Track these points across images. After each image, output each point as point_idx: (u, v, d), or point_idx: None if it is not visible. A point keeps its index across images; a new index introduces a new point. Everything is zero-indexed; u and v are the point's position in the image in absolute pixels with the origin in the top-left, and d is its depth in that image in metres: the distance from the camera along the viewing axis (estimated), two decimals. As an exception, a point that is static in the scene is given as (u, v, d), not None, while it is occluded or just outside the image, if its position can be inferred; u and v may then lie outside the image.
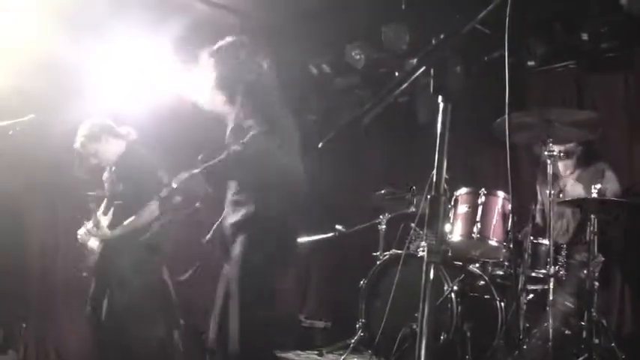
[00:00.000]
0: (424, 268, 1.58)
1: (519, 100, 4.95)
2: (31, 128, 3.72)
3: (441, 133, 1.44)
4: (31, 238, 4.91)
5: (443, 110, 1.42)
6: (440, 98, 1.42)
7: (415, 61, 1.41)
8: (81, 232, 4.09)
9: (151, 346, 3.99)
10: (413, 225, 4.24)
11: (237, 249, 2.82)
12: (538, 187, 4.49)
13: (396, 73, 5.05)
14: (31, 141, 3.94)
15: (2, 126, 3.70)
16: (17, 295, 4.79)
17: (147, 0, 4.68)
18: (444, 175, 1.46)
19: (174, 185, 3.10)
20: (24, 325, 4.76)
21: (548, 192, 3.64)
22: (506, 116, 1.87)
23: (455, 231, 4.09)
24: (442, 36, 1.38)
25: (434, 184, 1.51)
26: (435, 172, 1.44)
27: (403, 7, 4.85)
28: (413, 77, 1.44)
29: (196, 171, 2.92)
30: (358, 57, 5.67)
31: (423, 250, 4.19)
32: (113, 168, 4.11)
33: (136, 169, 4.03)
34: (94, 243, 4.06)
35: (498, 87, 1.92)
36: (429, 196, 1.48)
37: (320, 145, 1.72)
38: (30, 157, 4.42)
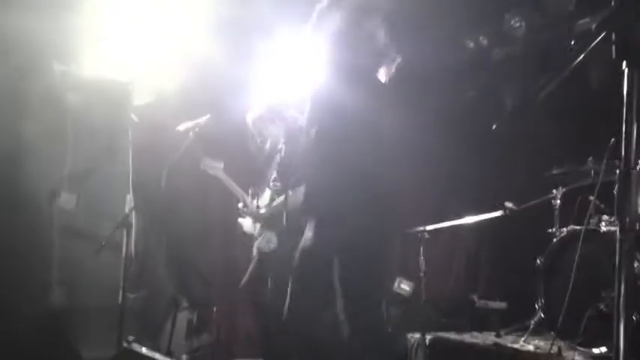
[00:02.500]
0: (617, 247, 1.47)
1: None
2: (208, 128, 4.04)
3: (627, 102, 1.31)
4: (215, 228, 5.26)
5: (629, 77, 1.29)
6: (624, 64, 1.30)
7: (593, 26, 1.30)
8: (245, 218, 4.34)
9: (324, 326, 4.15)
10: (592, 198, 3.94)
11: None
12: None
13: (565, 41, 4.69)
14: (210, 139, 4.25)
15: (183, 129, 4.06)
16: (207, 278, 5.19)
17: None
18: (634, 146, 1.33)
19: None
20: (215, 309, 5.14)
21: None
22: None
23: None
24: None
25: (623, 156, 1.38)
26: (623, 142, 1.32)
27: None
28: (592, 46, 1.33)
29: None
30: (518, 24, 5.39)
31: (606, 225, 3.94)
32: (281, 153, 4.31)
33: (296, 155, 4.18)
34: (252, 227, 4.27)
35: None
36: (616, 171, 1.37)
37: (494, 127, 1.66)
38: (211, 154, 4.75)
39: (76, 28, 4.58)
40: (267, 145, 4.33)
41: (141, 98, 4.88)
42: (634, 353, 3.26)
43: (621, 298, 1.52)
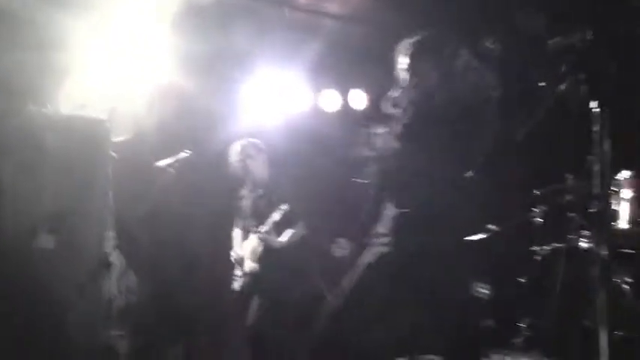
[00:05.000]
0: (595, 263, 1.48)
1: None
2: (188, 163, 4.03)
3: (599, 143, 1.34)
4: (200, 264, 5.22)
5: (600, 116, 1.32)
6: (595, 104, 1.33)
7: (563, 66, 1.33)
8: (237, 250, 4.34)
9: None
10: (572, 215, 3.99)
11: None
12: None
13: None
14: (189, 175, 4.24)
15: (163, 166, 4.04)
16: (193, 313, 5.14)
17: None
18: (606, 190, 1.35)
19: None
20: (201, 343, 5.08)
21: None
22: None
23: (621, 218, 3.80)
24: (591, 34, 1.28)
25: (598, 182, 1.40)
26: (598, 177, 1.34)
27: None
28: (563, 86, 1.36)
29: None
30: (493, 45, 5.48)
31: (586, 242, 3.98)
32: (260, 191, 4.32)
33: (282, 187, 4.20)
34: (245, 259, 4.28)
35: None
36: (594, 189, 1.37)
37: (471, 174, 1.67)
38: (192, 189, 4.75)
39: (52, 67, 4.57)
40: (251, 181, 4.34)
41: (120, 135, 4.86)
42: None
43: (601, 315, 1.54)
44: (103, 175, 4.64)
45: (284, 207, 4.05)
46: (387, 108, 2.72)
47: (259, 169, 4.36)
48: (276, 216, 4.09)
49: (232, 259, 4.42)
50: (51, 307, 4.27)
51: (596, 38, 1.34)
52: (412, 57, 2.68)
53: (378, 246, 2.81)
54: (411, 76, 2.67)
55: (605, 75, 1.26)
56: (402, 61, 2.71)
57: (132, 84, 4.88)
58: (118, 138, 4.86)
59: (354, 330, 2.75)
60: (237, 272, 4.34)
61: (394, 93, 2.70)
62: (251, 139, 4.41)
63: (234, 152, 4.35)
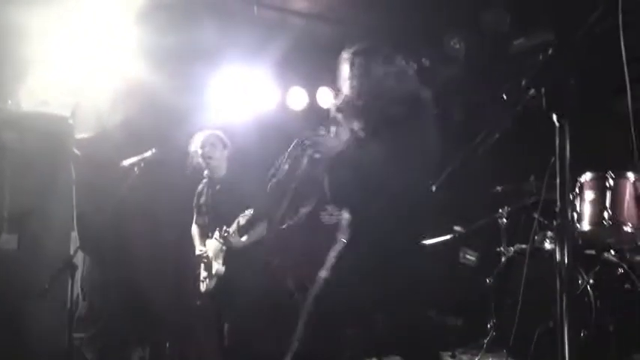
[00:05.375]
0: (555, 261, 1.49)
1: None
2: (154, 162, 3.96)
3: (559, 155, 1.35)
4: (165, 264, 5.16)
5: (559, 131, 1.33)
6: (554, 117, 1.34)
7: (524, 82, 1.33)
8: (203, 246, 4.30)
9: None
10: (536, 216, 4.05)
11: None
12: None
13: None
14: (156, 174, 4.17)
15: (128, 164, 3.97)
16: (159, 313, 5.08)
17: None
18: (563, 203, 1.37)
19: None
20: (167, 344, 5.03)
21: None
22: (628, 91, 1.73)
23: (583, 219, 3.86)
24: (550, 51, 1.29)
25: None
26: (558, 198, 1.35)
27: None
28: (523, 102, 1.36)
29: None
30: (458, 45, 5.53)
31: (550, 242, 4.05)
32: (218, 186, 4.27)
33: (243, 184, 4.16)
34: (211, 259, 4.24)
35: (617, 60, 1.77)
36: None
37: (434, 189, 1.68)
38: (158, 187, 4.67)
39: (12, 62, 4.45)
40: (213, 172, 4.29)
41: (83, 132, 4.76)
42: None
43: (564, 315, 1.55)
44: (65, 173, 4.55)
45: (249, 212, 4.01)
46: (333, 112, 2.80)
47: (219, 162, 4.29)
48: (242, 220, 4.04)
49: (197, 257, 4.34)
50: (13, 309, 4.17)
51: (558, 45, 1.35)
52: (350, 66, 2.78)
53: (339, 246, 2.83)
54: (350, 84, 2.77)
55: (566, 87, 1.27)
56: (344, 69, 2.82)
57: (96, 80, 4.78)
58: (81, 135, 4.76)
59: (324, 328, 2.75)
60: (202, 272, 4.29)
61: (337, 100, 2.79)
62: (215, 131, 4.35)
63: (196, 141, 4.29)
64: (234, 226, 4.05)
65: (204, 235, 4.35)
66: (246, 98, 5.49)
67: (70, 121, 4.61)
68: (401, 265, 2.63)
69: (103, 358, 4.72)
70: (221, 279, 4.15)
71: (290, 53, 5.14)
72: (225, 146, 4.33)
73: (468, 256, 4.85)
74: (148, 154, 4.00)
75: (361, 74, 2.80)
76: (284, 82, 5.63)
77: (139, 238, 4.92)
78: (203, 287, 4.28)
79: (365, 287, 2.66)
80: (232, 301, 4.09)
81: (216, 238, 4.14)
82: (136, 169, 3.97)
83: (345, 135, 2.87)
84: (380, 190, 2.62)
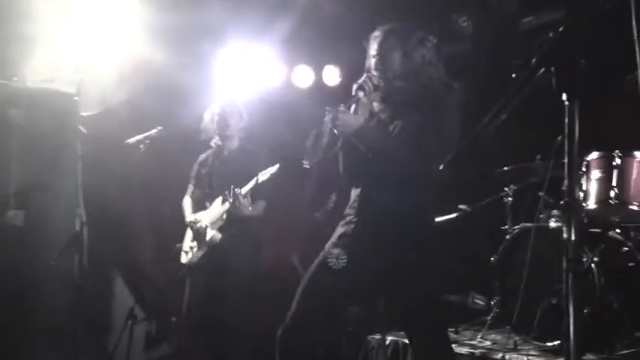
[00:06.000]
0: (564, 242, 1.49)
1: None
2: (160, 140, 3.97)
3: (569, 135, 1.34)
4: (169, 238, 5.17)
5: (569, 110, 1.32)
6: (564, 96, 1.32)
7: (534, 60, 1.32)
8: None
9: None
10: (541, 194, 4.05)
11: None
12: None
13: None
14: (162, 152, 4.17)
15: (133, 142, 3.97)
16: (163, 290, 5.12)
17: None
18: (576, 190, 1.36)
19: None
20: (174, 319, 5.06)
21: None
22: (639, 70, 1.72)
23: (590, 198, 3.86)
24: (561, 29, 1.27)
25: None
26: (565, 182, 1.35)
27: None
28: (532, 81, 1.35)
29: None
30: (465, 23, 5.48)
31: (555, 221, 4.05)
32: (227, 157, 4.24)
33: (250, 160, 4.13)
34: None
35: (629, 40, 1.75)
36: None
37: (441, 167, 1.68)
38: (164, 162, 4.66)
39: (17, 39, 4.43)
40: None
41: (89, 109, 4.75)
42: (586, 346, 3.37)
43: (570, 292, 1.56)
44: (71, 149, 4.55)
45: (272, 168, 3.90)
46: (354, 90, 2.75)
47: (233, 132, 4.25)
48: (261, 177, 3.93)
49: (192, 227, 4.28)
50: (19, 285, 4.21)
51: (568, 25, 1.33)
52: (380, 44, 2.73)
53: (345, 225, 2.83)
54: (377, 62, 2.73)
55: (576, 68, 1.26)
56: (372, 47, 2.76)
57: (101, 57, 4.76)
58: (86, 112, 4.76)
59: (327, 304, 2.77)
60: (189, 243, 4.24)
61: (362, 78, 2.75)
62: (234, 101, 4.31)
63: (214, 107, 4.25)
64: (251, 183, 3.92)
65: (200, 206, 4.28)
66: (251, 76, 5.46)
67: (76, 98, 4.60)
68: (408, 243, 2.64)
69: (108, 333, 4.76)
70: (215, 247, 4.08)
71: (296, 31, 5.10)
72: (241, 118, 4.30)
73: (477, 301, 4.90)
74: (154, 131, 4.00)
75: (392, 54, 2.74)
76: (290, 60, 5.60)
77: (143, 215, 4.94)
78: (185, 258, 4.22)
79: (370, 263, 2.67)
80: (223, 272, 4.01)
81: (225, 198, 4.02)
82: (141, 146, 3.98)
83: (364, 113, 2.83)
84: (393, 171, 2.61)
